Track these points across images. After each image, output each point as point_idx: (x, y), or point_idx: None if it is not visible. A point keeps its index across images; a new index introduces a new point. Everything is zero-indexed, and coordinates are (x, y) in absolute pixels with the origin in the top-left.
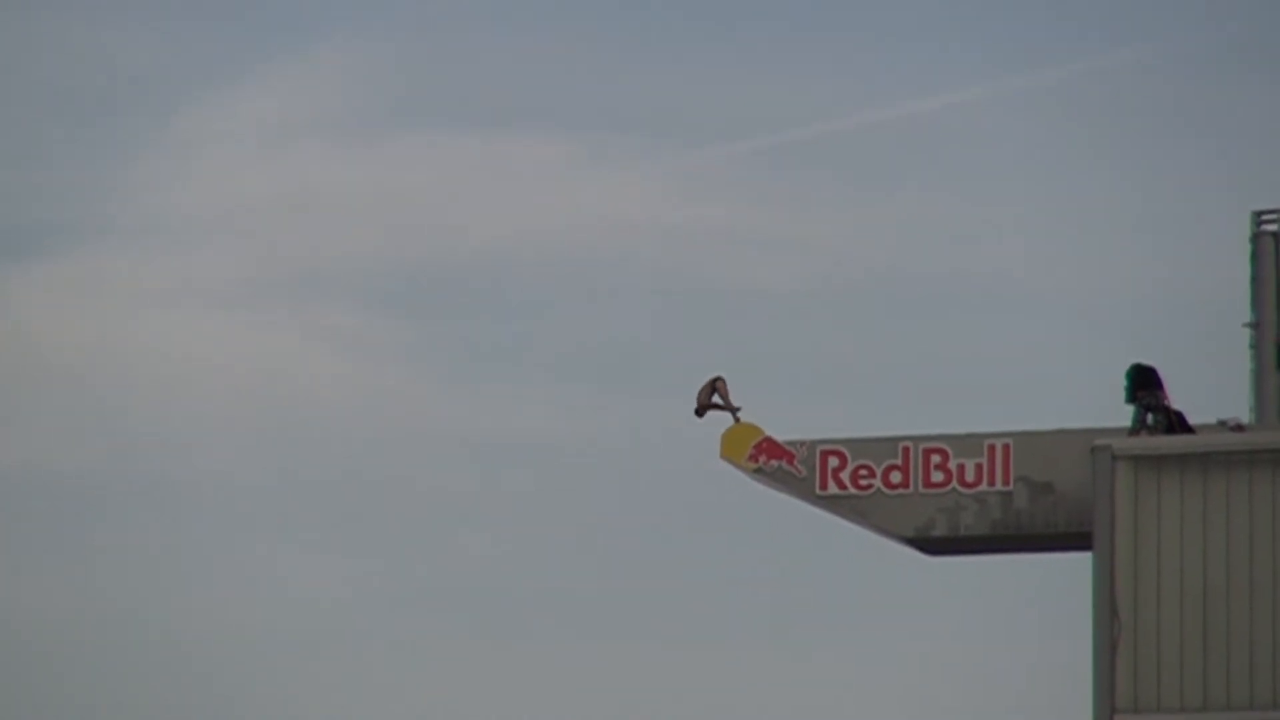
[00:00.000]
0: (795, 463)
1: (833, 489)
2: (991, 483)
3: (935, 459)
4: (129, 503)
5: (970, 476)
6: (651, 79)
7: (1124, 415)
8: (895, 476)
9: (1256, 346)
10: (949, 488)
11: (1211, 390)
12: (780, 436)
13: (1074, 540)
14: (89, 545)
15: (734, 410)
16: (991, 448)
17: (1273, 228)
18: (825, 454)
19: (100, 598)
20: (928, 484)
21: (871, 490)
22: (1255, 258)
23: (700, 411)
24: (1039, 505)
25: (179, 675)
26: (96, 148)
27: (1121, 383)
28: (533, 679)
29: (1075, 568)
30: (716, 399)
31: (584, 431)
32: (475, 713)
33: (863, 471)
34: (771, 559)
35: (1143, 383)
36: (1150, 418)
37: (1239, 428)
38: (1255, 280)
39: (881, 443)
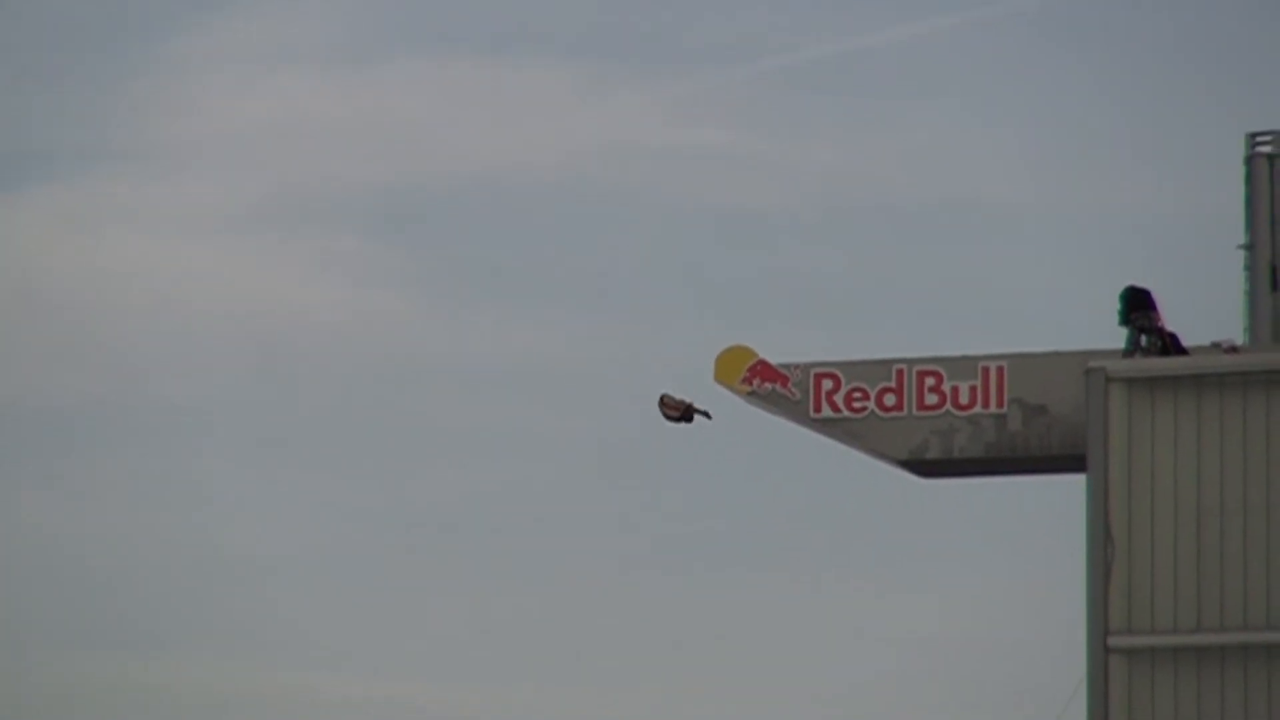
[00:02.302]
0: (789, 386)
1: (827, 412)
2: (986, 405)
3: (929, 381)
4: (124, 431)
5: (964, 399)
6: (649, 4)
7: (1118, 337)
8: (889, 399)
9: (1250, 268)
10: (943, 410)
11: (1205, 312)
12: (774, 359)
13: (1068, 462)
14: (85, 474)
15: (690, 410)
16: (986, 370)
17: (1267, 150)
18: (819, 377)
19: (98, 525)
20: (922, 406)
21: (865, 413)
22: (1249, 180)
23: (683, 414)
24: (1033, 427)
25: (176, 599)
26: (89, 76)
27: (1115, 305)
28: (522, 603)
29: (1069, 490)
30: (670, 410)
31: (578, 355)
32: (467, 636)
33: (857, 394)
34: (765, 482)
35: (1137, 305)
36: (1144, 340)
37: (1233, 349)
38: (1249, 202)
39: (876, 365)
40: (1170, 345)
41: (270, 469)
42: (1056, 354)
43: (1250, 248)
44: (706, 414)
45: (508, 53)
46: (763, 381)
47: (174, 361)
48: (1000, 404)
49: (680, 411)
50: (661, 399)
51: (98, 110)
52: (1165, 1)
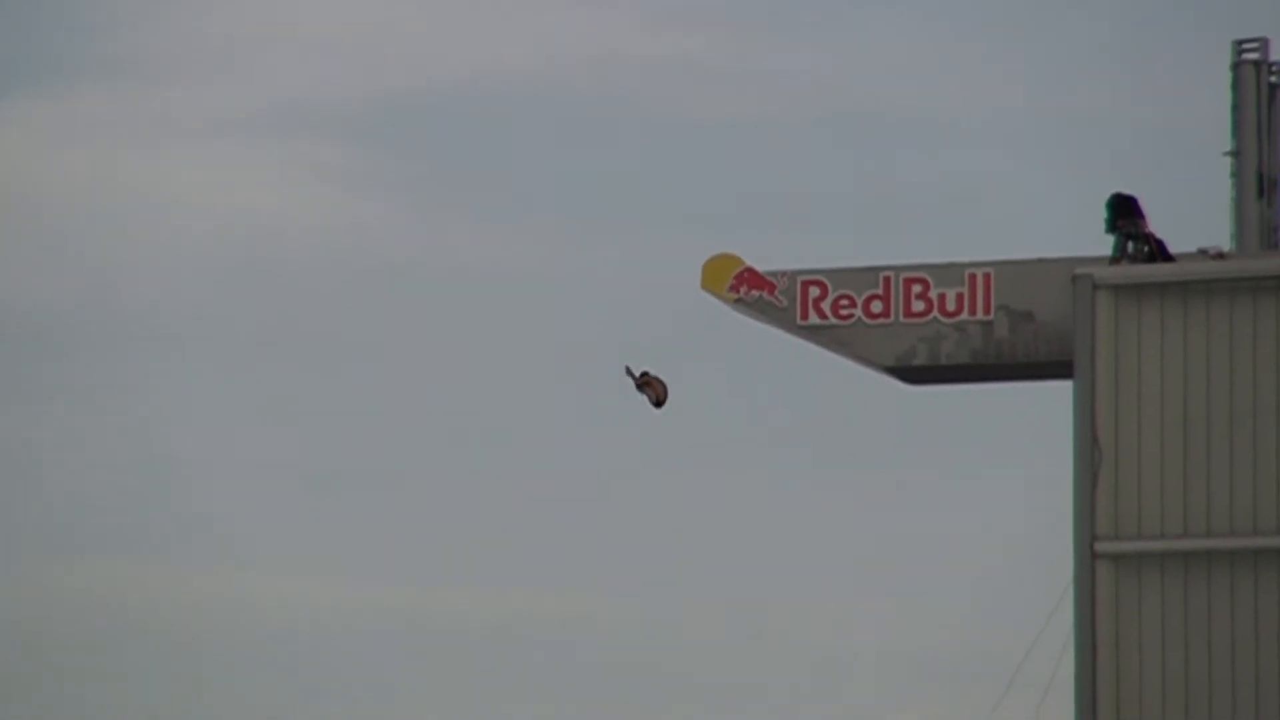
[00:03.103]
0: (776, 293)
1: (813, 319)
2: (972, 312)
3: (916, 289)
4: (108, 338)
5: (951, 306)
6: None
7: (1105, 244)
8: (876, 306)
9: (1237, 175)
10: (930, 317)
11: (1192, 219)
12: (761, 267)
13: (1055, 369)
14: (68, 381)
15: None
16: (972, 277)
17: (1253, 56)
18: (806, 284)
19: (80, 431)
20: (908, 314)
21: (852, 320)
22: (1236, 86)
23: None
24: (1020, 334)
25: (156, 503)
26: None
27: (1102, 212)
28: (506, 507)
29: (1056, 396)
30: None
31: (563, 263)
32: (455, 538)
33: (843, 301)
34: (752, 389)
35: (1123, 212)
36: (1131, 246)
37: (1219, 256)
38: (1236, 109)
39: (862, 273)
40: (1157, 252)
41: (252, 376)
42: (1043, 261)
43: (1237, 154)
44: (656, 390)
45: None
46: (749, 289)
47: (156, 269)
48: (987, 311)
49: (657, 394)
50: (630, 372)
51: (80, 20)
52: None
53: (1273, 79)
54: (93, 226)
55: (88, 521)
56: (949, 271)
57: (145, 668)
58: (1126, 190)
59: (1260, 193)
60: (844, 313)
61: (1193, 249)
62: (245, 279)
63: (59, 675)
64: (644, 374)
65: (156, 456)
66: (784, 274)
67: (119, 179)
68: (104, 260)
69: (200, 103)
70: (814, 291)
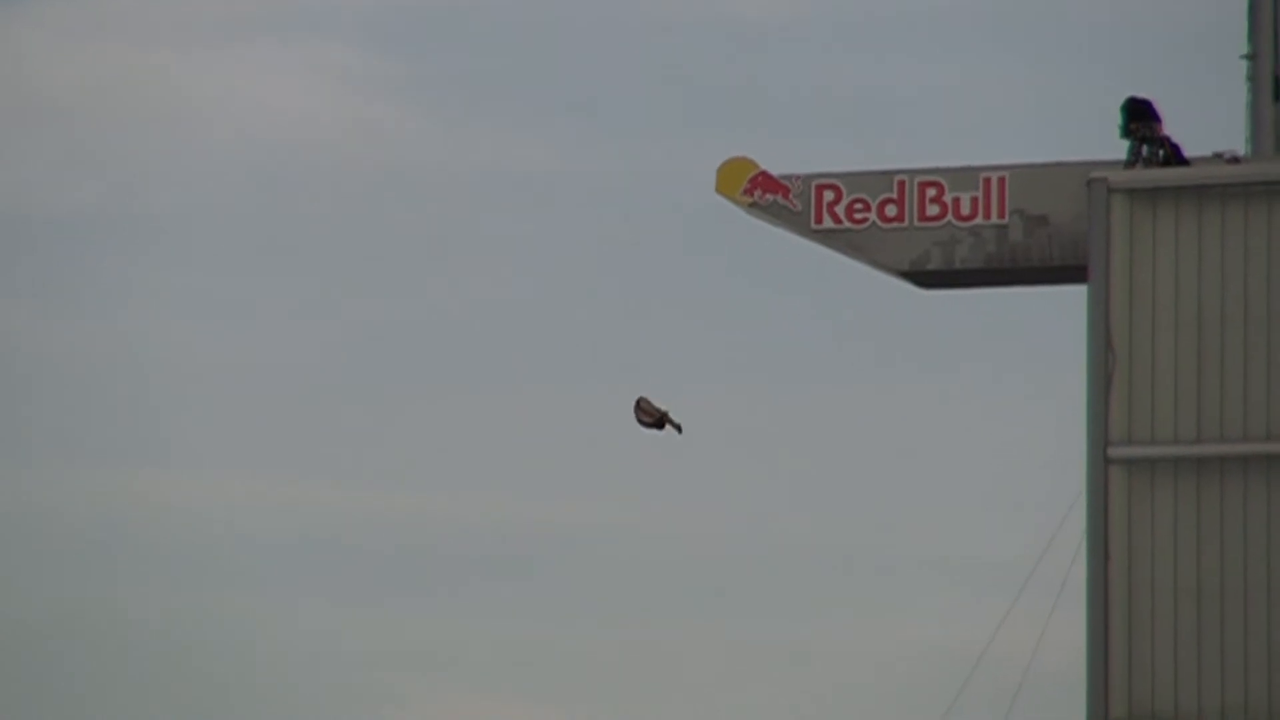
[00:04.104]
0: (790, 197)
1: (828, 223)
2: (987, 216)
3: (930, 192)
4: (124, 242)
5: (965, 210)
6: None
7: (1120, 148)
8: (890, 210)
9: (1253, 78)
10: (944, 221)
11: (1207, 123)
12: (775, 170)
13: (1069, 273)
14: (84, 284)
15: (664, 419)
16: (987, 181)
17: None
18: (820, 188)
19: (96, 333)
20: (923, 217)
21: (866, 224)
22: None
23: (656, 421)
24: (1034, 238)
25: (168, 408)
26: None
27: (1117, 116)
28: (522, 417)
29: (1070, 301)
30: (646, 415)
31: (579, 167)
32: (469, 450)
33: (858, 205)
34: (766, 293)
35: (1138, 115)
36: (1146, 150)
37: (1235, 160)
38: (1252, 11)
39: (877, 176)
40: (1172, 156)
41: (264, 280)
42: (1058, 165)
43: (1252, 58)
44: (678, 427)
45: None
46: (764, 193)
47: (170, 172)
48: (1002, 215)
49: (654, 419)
50: (638, 402)
51: None
52: None
53: None
54: (115, 129)
55: (97, 424)
56: (964, 175)
57: (157, 576)
58: (1142, 94)
59: (1276, 96)
60: (858, 217)
61: (1208, 153)
62: (261, 180)
63: (60, 575)
64: (656, 416)
65: (174, 359)
66: (798, 178)
67: (142, 81)
68: (126, 163)
69: (226, 5)
70: (828, 195)
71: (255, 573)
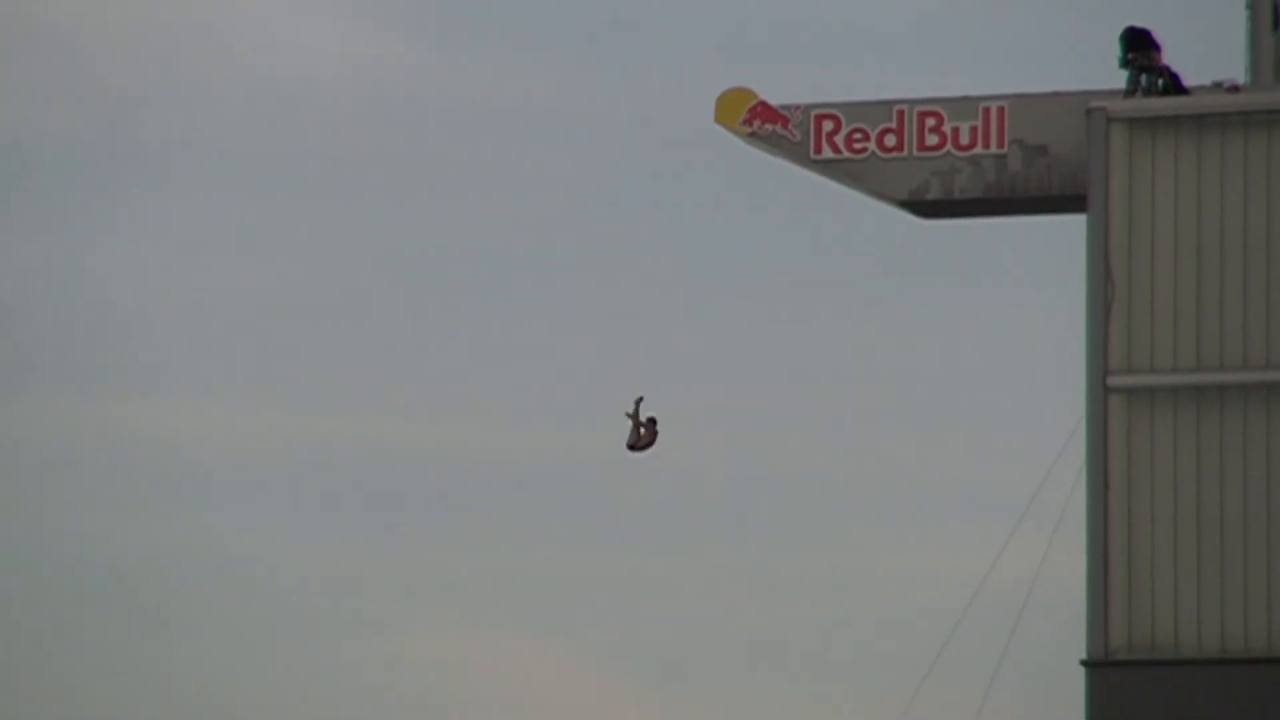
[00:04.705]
0: (789, 127)
1: (827, 153)
2: (986, 145)
3: (930, 122)
4: (120, 170)
5: (965, 139)
6: None
7: (1119, 78)
8: (890, 140)
9: (1252, 7)
10: (943, 151)
11: (1207, 52)
12: (774, 100)
13: (1068, 203)
14: (79, 212)
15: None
16: (986, 110)
17: None
18: (820, 118)
19: (92, 262)
20: (922, 147)
21: (866, 154)
22: None
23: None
24: (1033, 168)
25: (166, 338)
26: None
27: (1116, 46)
28: (516, 338)
29: (1070, 230)
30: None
31: (577, 96)
32: (461, 375)
33: (857, 135)
34: (766, 223)
35: (1137, 45)
36: (1145, 80)
37: (1234, 89)
38: None
39: (876, 106)
40: (1171, 85)
41: (266, 207)
42: (1057, 94)
43: None
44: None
45: None
46: (763, 123)
47: (169, 99)
48: (1001, 145)
49: (642, 432)
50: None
51: None
52: None
53: None
54: (115, 55)
55: (91, 351)
56: (963, 105)
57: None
58: (1140, 23)
59: (1275, 25)
60: (857, 146)
61: (1207, 82)
62: (263, 108)
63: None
64: (645, 419)
65: (173, 288)
66: (797, 108)
67: (133, 5)
68: (126, 89)
69: None
70: (827, 125)
71: (245, 500)
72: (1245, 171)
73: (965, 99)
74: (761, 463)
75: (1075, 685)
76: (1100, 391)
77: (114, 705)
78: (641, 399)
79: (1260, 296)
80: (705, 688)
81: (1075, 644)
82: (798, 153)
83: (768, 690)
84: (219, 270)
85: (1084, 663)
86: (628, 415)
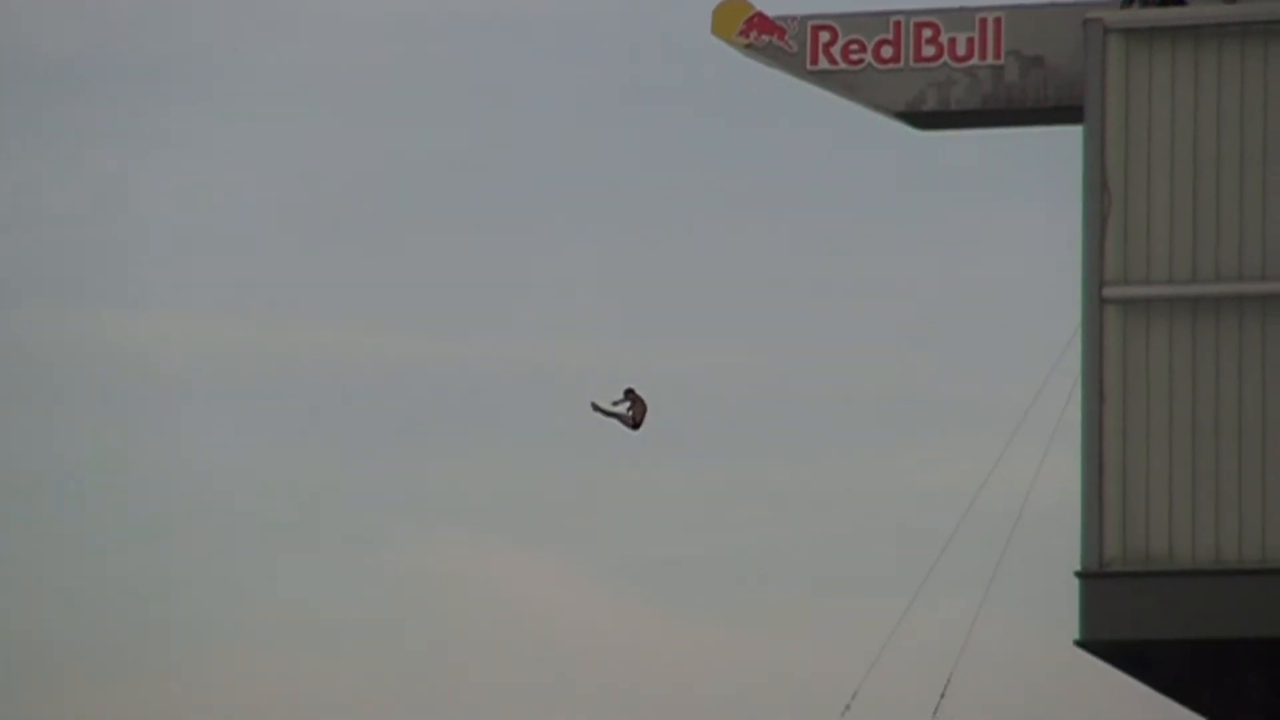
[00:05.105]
0: (786, 38)
1: (823, 64)
2: (983, 56)
3: (926, 33)
4: (121, 85)
5: (961, 50)
6: None
7: None
8: (886, 51)
9: None
10: (940, 62)
11: None
12: (771, 11)
13: (1065, 114)
14: (79, 128)
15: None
16: (983, 21)
17: None
18: (816, 29)
19: (92, 181)
20: (919, 58)
21: (862, 65)
22: None
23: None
24: (1030, 79)
25: (167, 262)
26: None
27: None
28: (519, 256)
29: (1066, 141)
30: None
31: (571, 7)
32: (466, 292)
33: (853, 46)
34: (762, 135)
35: None
36: None
37: None
38: None
39: (872, 17)
40: None
41: (267, 122)
42: (1054, 5)
43: None
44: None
45: None
46: (760, 34)
47: (166, 13)
48: (997, 56)
49: (635, 410)
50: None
51: None
52: None
53: None
54: None
55: (93, 267)
56: (959, 16)
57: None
58: None
59: None
60: (854, 57)
61: None
62: (259, 21)
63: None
64: (629, 392)
65: (177, 204)
66: (794, 19)
67: None
68: (120, 7)
69: None
70: (824, 36)
71: (253, 416)
72: (1242, 82)
73: (962, 10)
74: (753, 375)
75: (1070, 596)
76: (1096, 303)
77: (98, 619)
78: (630, 390)
79: (1257, 208)
80: (706, 600)
81: (1071, 556)
82: (794, 64)
83: (769, 602)
84: (212, 184)
85: (1079, 574)
86: (614, 414)
